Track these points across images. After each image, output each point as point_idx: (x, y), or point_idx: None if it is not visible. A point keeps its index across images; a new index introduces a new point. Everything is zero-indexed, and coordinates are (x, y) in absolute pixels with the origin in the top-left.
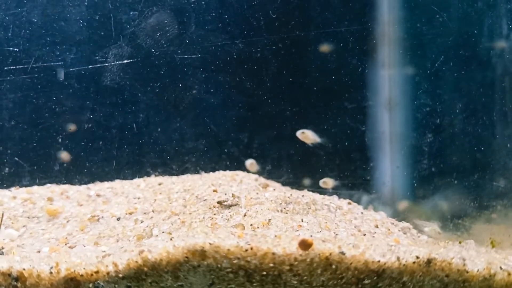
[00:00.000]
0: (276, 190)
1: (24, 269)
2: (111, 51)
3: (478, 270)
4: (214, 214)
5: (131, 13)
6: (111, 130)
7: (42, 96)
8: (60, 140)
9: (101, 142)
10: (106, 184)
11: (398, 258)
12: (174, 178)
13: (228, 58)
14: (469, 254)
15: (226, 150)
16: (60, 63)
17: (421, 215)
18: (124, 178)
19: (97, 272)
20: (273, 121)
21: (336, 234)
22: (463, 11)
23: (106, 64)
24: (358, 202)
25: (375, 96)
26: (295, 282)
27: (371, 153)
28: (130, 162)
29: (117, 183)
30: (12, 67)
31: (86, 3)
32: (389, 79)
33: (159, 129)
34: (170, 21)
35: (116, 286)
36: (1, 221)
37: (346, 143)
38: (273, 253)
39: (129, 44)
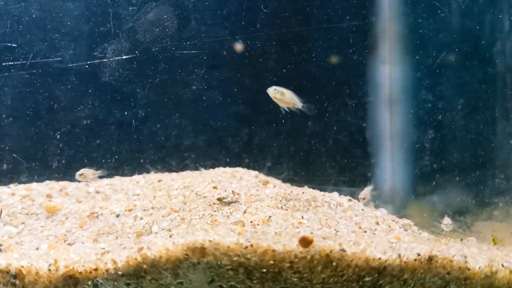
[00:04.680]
0: (276, 187)
1: (22, 266)
2: (110, 47)
3: (479, 268)
4: (214, 211)
5: (130, 8)
6: (110, 127)
7: (40, 92)
8: (58, 136)
9: (99, 139)
10: (106, 180)
11: (399, 255)
12: (173, 174)
13: (228, 53)
14: (471, 252)
15: (226, 146)
16: (58, 58)
17: (422, 212)
18: (124, 174)
19: (96, 269)
20: (273, 117)
21: (337, 231)
22: (465, 7)
23: (105, 60)
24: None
25: (376, 92)
26: (296, 279)
27: (371, 149)
28: (129, 159)
29: (117, 180)
30: (10, 63)
31: None
32: (390, 75)
33: (158, 125)
34: (169, 16)
35: (115, 283)
36: (0, 218)
37: (347, 140)
38: (273, 250)
39: (128, 39)
